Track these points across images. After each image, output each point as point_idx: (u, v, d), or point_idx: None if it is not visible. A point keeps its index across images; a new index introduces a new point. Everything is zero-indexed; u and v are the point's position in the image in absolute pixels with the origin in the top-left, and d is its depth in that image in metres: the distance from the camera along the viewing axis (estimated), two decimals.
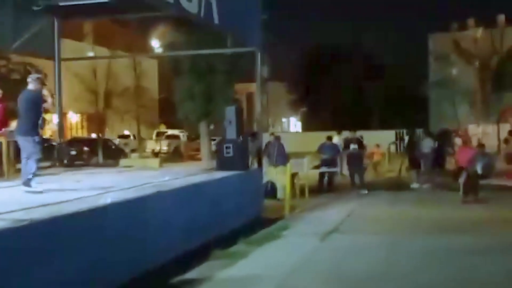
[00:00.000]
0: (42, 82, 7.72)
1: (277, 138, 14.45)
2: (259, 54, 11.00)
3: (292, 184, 12.32)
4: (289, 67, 51.13)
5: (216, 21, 8.70)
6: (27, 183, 7.01)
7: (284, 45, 46.22)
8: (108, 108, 29.16)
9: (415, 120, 30.32)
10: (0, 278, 4.14)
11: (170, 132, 38.11)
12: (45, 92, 7.66)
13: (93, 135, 32.92)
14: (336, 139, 17.61)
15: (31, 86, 7.40)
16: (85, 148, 28.25)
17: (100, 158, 26.12)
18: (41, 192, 6.87)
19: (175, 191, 7.25)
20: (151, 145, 36.05)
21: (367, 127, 34.86)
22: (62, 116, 13.84)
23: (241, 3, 10.04)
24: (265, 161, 13.52)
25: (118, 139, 35.33)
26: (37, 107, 7.26)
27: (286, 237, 8.62)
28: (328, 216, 10.57)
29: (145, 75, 30.28)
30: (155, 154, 34.78)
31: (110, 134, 35.25)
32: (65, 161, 26.44)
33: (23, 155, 7.13)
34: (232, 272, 6.52)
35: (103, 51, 27.59)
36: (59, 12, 11.50)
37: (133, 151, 32.14)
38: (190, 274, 6.39)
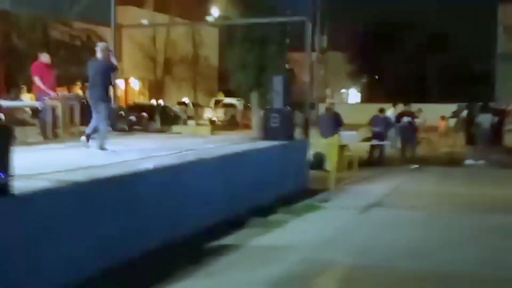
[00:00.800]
0: (108, 50, 8.13)
1: (328, 109, 14.31)
2: (310, 24, 10.87)
3: (341, 156, 12.26)
4: (350, 37, 49.98)
5: None
6: (101, 146, 7.71)
7: (345, 13, 45.05)
8: (166, 75, 29.74)
9: (479, 94, 29.15)
10: (33, 239, 4.39)
11: (227, 100, 38.45)
12: (113, 60, 8.05)
13: (153, 102, 33.72)
14: (391, 112, 17.26)
15: (99, 55, 7.85)
16: (144, 114, 29.12)
17: (158, 124, 26.74)
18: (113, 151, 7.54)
19: (214, 159, 7.38)
20: (208, 113, 36.56)
21: (428, 99, 33.88)
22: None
23: None
24: (315, 132, 13.51)
25: (177, 106, 36.09)
26: (107, 75, 7.84)
27: (326, 208, 8.65)
28: (373, 189, 10.49)
29: (204, 43, 30.56)
30: (212, 122, 35.32)
31: (170, 101, 36.00)
32: (125, 127, 27.53)
33: (95, 119, 7.76)
34: (265, 241, 6.64)
35: (164, 18, 27.98)
36: None
37: (190, 118, 32.73)
38: (224, 241, 6.55)
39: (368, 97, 51.25)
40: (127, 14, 26.02)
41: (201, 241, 6.38)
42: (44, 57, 10.21)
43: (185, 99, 37.99)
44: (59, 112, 9.70)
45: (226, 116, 34.69)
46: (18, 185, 4.58)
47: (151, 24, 24.01)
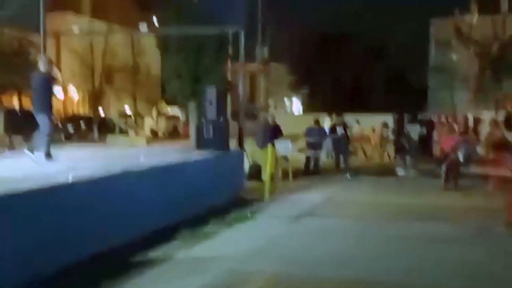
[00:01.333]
0: (51, 62, 8.03)
1: (265, 120, 14.43)
2: (242, 33, 10.96)
3: (276, 166, 12.37)
4: (291, 48, 50.73)
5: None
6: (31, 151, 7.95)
7: (285, 25, 45.75)
8: (105, 85, 29.19)
9: (413, 105, 30.18)
10: None
11: (169, 110, 38.16)
12: (55, 71, 7.94)
13: (96, 112, 33.07)
14: (327, 123, 17.63)
15: (42, 67, 7.96)
16: (82, 125, 28.51)
17: (96, 134, 26.23)
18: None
19: (142, 171, 7.27)
20: (149, 122, 36.14)
21: (366, 109, 34.74)
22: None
23: None
24: (251, 142, 13.59)
25: (117, 117, 35.49)
26: (49, 87, 7.99)
27: (259, 218, 8.67)
28: (306, 199, 10.61)
29: (144, 52, 30.17)
30: (154, 132, 34.94)
31: (111, 111, 35.33)
32: (62, 137, 26.82)
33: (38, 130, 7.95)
34: (194, 252, 6.57)
35: (102, 25, 27.48)
36: None
37: (132, 128, 32.26)
38: (152, 254, 6.44)
39: (309, 107, 52.07)
40: (64, 20, 25.44)
41: (128, 254, 6.25)
42: None
43: (126, 109, 37.44)
44: None
45: (168, 126, 34.47)
46: None
47: (87, 32, 23.53)
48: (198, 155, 9.44)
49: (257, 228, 8.04)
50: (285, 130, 15.81)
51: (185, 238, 7.16)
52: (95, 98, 30.27)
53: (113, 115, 33.40)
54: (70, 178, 5.96)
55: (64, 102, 41.96)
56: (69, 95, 40.51)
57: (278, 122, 14.37)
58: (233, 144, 11.19)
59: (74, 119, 29.16)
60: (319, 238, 7.45)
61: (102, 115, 29.54)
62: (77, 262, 5.64)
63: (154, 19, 27.04)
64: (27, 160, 8.05)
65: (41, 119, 7.97)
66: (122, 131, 29.20)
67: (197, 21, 14.11)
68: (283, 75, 57.44)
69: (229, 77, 13.68)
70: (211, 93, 10.26)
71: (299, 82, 54.11)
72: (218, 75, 17.22)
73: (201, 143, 10.14)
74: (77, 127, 27.71)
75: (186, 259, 6.33)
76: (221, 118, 10.26)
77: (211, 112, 10.20)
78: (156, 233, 7.08)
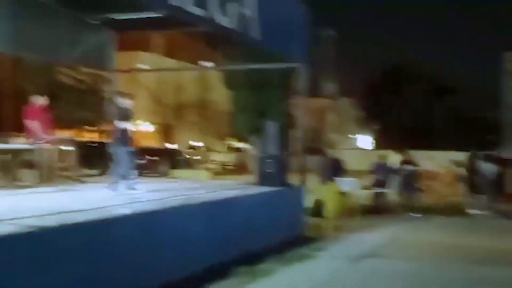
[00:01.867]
0: (128, 96, 8.81)
1: (329, 155, 14.18)
2: (303, 70, 10.89)
3: (340, 203, 12.05)
4: (359, 84, 50.39)
5: (254, 36, 8.66)
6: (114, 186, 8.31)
7: (354, 61, 45.61)
8: (176, 119, 29.96)
9: (486, 142, 28.87)
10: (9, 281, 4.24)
11: (238, 145, 38.55)
12: (129, 105, 8.28)
13: (167, 145, 33.98)
14: (395, 159, 17.07)
15: (119, 100, 8.51)
16: (152, 158, 29.25)
17: (166, 168, 26.74)
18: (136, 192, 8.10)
19: (199, 205, 7.22)
20: (218, 157, 36.61)
21: (436, 146, 33.60)
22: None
23: (285, 18, 9.96)
24: (316, 178, 13.35)
25: (188, 150, 36.29)
26: (126, 119, 8.44)
27: (318, 257, 8.38)
28: (370, 238, 10.20)
29: (213, 88, 30.79)
30: (222, 166, 35.32)
31: (181, 145, 36.21)
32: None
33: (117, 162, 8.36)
34: None
35: (172, 62, 28.42)
36: (116, 26, 11.87)
37: (201, 162, 32.82)
38: None
39: (378, 143, 51.12)
40: (136, 59, 26.50)
41: None
42: (38, 100, 10.22)
43: (198, 143, 38.17)
44: (52, 155, 9.64)
45: (236, 160, 34.74)
46: None
47: (149, 69, 24.23)
48: (256, 190, 9.31)
49: (315, 268, 7.76)
50: (351, 166, 15.51)
51: (241, 275, 6.99)
52: (165, 131, 31.10)
53: (182, 149, 34.09)
54: (126, 211, 5.98)
55: (136, 135, 43.42)
56: (141, 129, 41.93)
57: (345, 158, 14.06)
58: (296, 179, 11.01)
59: (145, 152, 29.99)
60: (380, 281, 7.07)
61: (172, 148, 30.19)
62: None
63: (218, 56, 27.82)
64: (89, 192, 8.25)
65: (119, 152, 8.36)
66: (190, 165, 29.71)
67: (261, 57, 14.19)
68: (352, 110, 56.98)
69: (294, 112, 13.55)
70: (271, 128, 10.18)
71: (368, 117, 53.41)
72: (281, 110, 17.18)
73: (261, 178, 10.03)
74: (148, 160, 28.45)
75: None
76: (282, 153, 10.13)
77: (271, 147, 10.10)
78: (211, 269, 6.96)
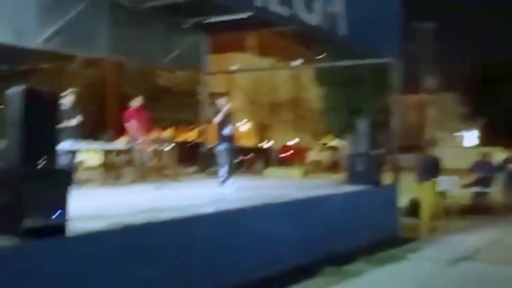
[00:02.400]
0: (224, 97, 9.44)
1: (426, 153, 13.60)
2: (397, 65, 10.52)
3: (437, 203, 11.55)
4: (462, 78, 47.85)
5: (342, 32, 8.51)
6: (220, 184, 8.85)
7: (455, 55, 43.44)
8: (270, 118, 30.24)
9: None
10: (82, 279, 4.48)
11: (333, 143, 38.18)
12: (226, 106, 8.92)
13: (263, 144, 34.43)
14: (500, 156, 16.09)
15: (219, 101, 9.12)
16: (248, 157, 29.81)
17: (261, 166, 27.10)
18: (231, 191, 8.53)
19: (286, 203, 7.22)
20: (313, 155, 36.48)
21: None
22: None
23: (375, 12, 9.68)
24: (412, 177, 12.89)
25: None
26: (225, 121, 8.95)
27: (411, 260, 8.08)
28: (469, 240, 9.66)
29: (306, 86, 30.71)
30: (317, 164, 35.15)
31: (277, 143, 36.52)
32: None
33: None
34: None
35: (267, 62, 28.69)
36: (207, 28, 12.20)
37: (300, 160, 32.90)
38: None
39: (483, 140, 48.32)
40: (232, 60, 27.03)
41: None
42: (137, 101, 10.74)
43: (293, 141, 38.27)
44: (149, 154, 10.08)
45: (330, 158, 34.41)
46: (79, 226, 4.77)
47: (241, 69, 24.44)
48: (345, 189, 9.15)
49: (407, 270, 7.49)
50: (451, 164, 14.76)
51: (329, 276, 6.91)
52: (260, 131, 31.49)
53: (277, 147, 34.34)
54: (210, 210, 6.12)
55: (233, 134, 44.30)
56: (238, 128, 42.74)
57: (445, 155, 13.40)
58: (390, 178, 10.69)
59: (240, 150, 30.58)
60: (473, 286, 6.67)
61: (267, 146, 30.51)
62: None
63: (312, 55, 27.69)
64: (183, 190, 8.53)
65: (221, 151, 8.88)
66: (286, 163, 29.85)
67: (352, 53, 13.95)
68: (455, 106, 54.22)
69: (389, 109, 13.13)
70: (362, 125, 9.94)
71: (472, 113, 50.58)
72: (374, 107, 16.79)
73: (352, 177, 9.83)
74: (242, 159, 29.01)
75: None
76: (373, 152, 9.86)
77: (362, 145, 9.87)
78: (299, 269, 6.93)
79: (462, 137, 62.34)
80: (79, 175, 9.49)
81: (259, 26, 11.78)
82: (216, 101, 9.29)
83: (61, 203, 4.48)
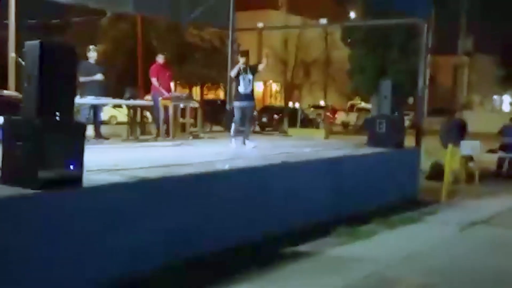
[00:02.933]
0: (247, 55, 9.60)
1: (452, 117, 13.44)
2: (425, 26, 10.28)
3: (461, 167, 11.47)
4: (499, 40, 46.27)
5: None
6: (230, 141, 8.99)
7: (494, 15, 41.84)
8: (299, 78, 30.05)
9: None
10: (99, 230, 4.69)
11: (363, 105, 37.83)
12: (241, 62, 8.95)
13: (291, 104, 34.36)
14: None
15: (240, 60, 9.01)
16: (275, 116, 29.84)
17: (286, 126, 27.13)
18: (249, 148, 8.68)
19: (302, 162, 7.30)
20: (341, 116, 36.28)
21: None
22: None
23: None
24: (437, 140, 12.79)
25: (311, 109, 36.40)
26: (239, 78, 8.87)
27: (426, 222, 8.11)
28: (488, 205, 9.61)
29: (337, 46, 30.26)
30: (345, 125, 35.00)
31: (304, 103, 36.39)
32: (257, 127, 28.36)
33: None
34: (344, 251, 6.39)
35: (296, 20, 28.31)
36: None
37: (323, 121, 32.79)
38: (303, 247, 6.42)
39: None
40: (263, 17, 26.76)
41: (278, 246, 6.32)
42: (160, 58, 10.84)
43: (321, 103, 38.06)
44: (170, 111, 10.22)
45: (358, 120, 34.18)
46: (94, 178, 4.95)
47: (267, 27, 24.00)
48: (365, 150, 9.16)
49: (420, 233, 7.53)
50: (481, 128, 14.49)
51: (341, 235, 6.99)
52: (288, 90, 31.38)
53: (306, 107, 34.22)
54: (226, 166, 6.24)
55: (263, 93, 44.31)
56: (266, 87, 42.63)
57: (479, 120, 13.16)
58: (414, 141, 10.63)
59: (268, 110, 30.60)
60: (487, 251, 6.69)
61: (296, 106, 30.44)
62: (228, 247, 5.88)
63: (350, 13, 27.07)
64: (204, 148, 8.69)
65: (234, 109, 9.00)
66: (313, 124, 29.81)
67: (385, 13, 13.64)
68: (492, 69, 52.72)
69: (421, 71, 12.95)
70: (386, 87, 9.83)
71: (509, 76, 49.13)
72: (403, 68, 16.45)
73: (373, 139, 9.81)
74: (270, 118, 29.07)
75: (335, 256, 6.19)
76: (396, 114, 9.79)
77: (385, 107, 9.77)
78: (313, 227, 7.04)
79: (499, 100, 60.86)
80: (108, 129, 9.72)
81: None
82: (236, 58, 9.34)
83: (78, 155, 4.63)
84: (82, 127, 4.82)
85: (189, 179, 5.61)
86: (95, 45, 10.95)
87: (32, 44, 4.50)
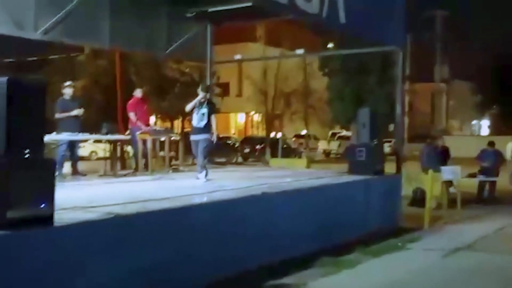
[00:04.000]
0: (206, 90, 9.07)
1: (430, 143, 13.52)
2: (400, 54, 10.41)
3: (442, 192, 11.49)
4: (474, 66, 47.19)
5: (342, 20, 8.42)
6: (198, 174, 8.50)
7: (469, 43, 42.78)
8: (280, 108, 30.20)
9: None
10: (69, 267, 4.52)
11: (344, 133, 38.04)
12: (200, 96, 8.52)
13: (272, 134, 34.39)
14: (510, 146, 15.97)
15: (200, 94, 8.74)
16: (257, 146, 29.82)
17: (268, 156, 27.08)
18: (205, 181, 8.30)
19: (280, 193, 7.20)
20: (322, 145, 36.42)
21: None
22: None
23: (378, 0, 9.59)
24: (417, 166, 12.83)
25: (293, 139, 36.46)
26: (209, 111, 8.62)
27: (409, 250, 8.03)
28: (472, 230, 9.58)
29: (316, 75, 30.55)
30: (326, 154, 35.09)
31: (286, 133, 36.44)
32: (239, 158, 28.24)
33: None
34: (328, 282, 6.28)
35: (275, 51, 28.60)
36: (211, 18, 12.14)
37: (311, 150, 32.89)
38: (287, 279, 6.29)
39: (497, 130, 47.73)
40: (241, 50, 27.02)
41: (262, 278, 6.18)
42: (138, 93, 10.79)
43: (302, 132, 38.20)
44: (148, 145, 10.10)
45: (339, 148, 34.32)
46: (67, 217, 4.80)
47: (244, 59, 24.01)
48: (345, 179, 9.12)
49: (403, 260, 7.44)
50: (461, 153, 14.57)
51: (324, 266, 6.88)
52: (269, 120, 31.51)
53: (288, 137, 34.25)
54: (204, 199, 6.13)
55: (245, 124, 44.40)
56: (248, 118, 42.73)
57: (455, 145, 13.22)
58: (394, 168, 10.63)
59: (250, 141, 30.61)
60: (470, 277, 6.61)
61: (278, 136, 30.47)
62: (209, 283, 5.73)
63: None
64: (181, 181, 8.55)
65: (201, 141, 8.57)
66: (295, 153, 29.82)
67: (360, 42, 13.84)
68: (468, 95, 53.53)
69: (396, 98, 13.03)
70: (364, 115, 9.87)
71: (486, 102, 49.92)
72: (381, 96, 16.63)
73: (353, 167, 9.78)
74: (252, 149, 29.04)
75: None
76: (375, 141, 9.80)
77: (364, 135, 9.79)
78: (295, 259, 6.92)
79: (478, 125, 61.71)
80: (88, 165, 9.54)
81: (261, 15, 11.72)
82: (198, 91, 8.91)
83: (48, 193, 4.49)
84: (52, 164, 4.69)
85: (163, 213, 5.48)
86: (72, 81, 10.85)
87: None
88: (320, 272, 6.62)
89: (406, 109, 31.73)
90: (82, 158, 19.03)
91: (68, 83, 10.10)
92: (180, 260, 5.48)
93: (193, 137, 8.78)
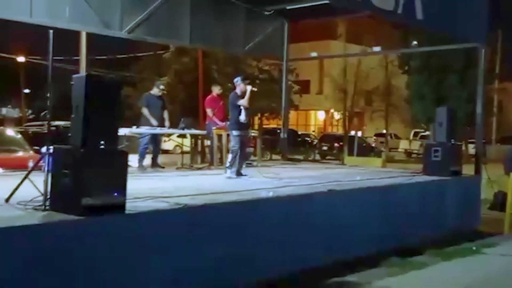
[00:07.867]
0: (247, 83, 8.71)
1: None
2: (483, 51, 9.99)
3: None
4: None
5: (419, 16, 8.22)
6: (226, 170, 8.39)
7: None
8: (361, 106, 29.84)
9: None
10: (139, 254, 4.80)
11: (427, 133, 36.84)
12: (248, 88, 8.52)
13: (352, 133, 34.07)
14: None
15: (237, 88, 8.57)
16: (336, 144, 29.64)
17: (345, 154, 26.81)
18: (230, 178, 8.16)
19: (348, 191, 7.18)
20: (404, 144, 35.51)
21: None
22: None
23: None
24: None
25: (374, 137, 35.90)
26: (234, 106, 8.39)
27: (484, 254, 7.74)
28: None
29: (398, 73, 29.90)
30: (408, 154, 34.17)
31: (368, 131, 35.97)
32: (317, 156, 28.19)
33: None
34: (392, 282, 6.20)
35: (357, 49, 28.25)
36: (288, 15, 12.27)
37: (390, 150, 32.27)
38: (351, 277, 6.30)
39: None
40: (324, 47, 26.95)
41: (323, 276, 6.21)
42: (215, 89, 11.11)
43: (383, 131, 37.49)
44: (224, 140, 10.36)
45: (421, 148, 33.21)
46: (139, 205, 5.09)
47: (316, 57, 23.78)
48: (418, 179, 8.91)
49: (476, 265, 7.18)
50: None
51: (391, 266, 6.81)
52: (349, 118, 31.20)
53: (367, 136, 33.76)
54: (270, 194, 6.25)
55: (324, 122, 44.17)
56: (327, 116, 42.47)
57: None
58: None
59: (329, 138, 30.48)
60: None
61: (356, 135, 30.12)
62: (269, 279, 5.83)
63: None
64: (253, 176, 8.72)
65: (231, 136, 8.47)
66: (374, 152, 29.33)
67: (442, 39, 13.41)
68: None
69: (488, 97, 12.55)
70: (441, 114, 9.57)
71: None
72: (464, 95, 15.93)
73: (428, 168, 9.53)
74: (330, 146, 28.93)
75: (383, 287, 6.02)
76: (453, 141, 9.49)
77: (440, 134, 9.50)
78: (362, 258, 6.89)
79: None
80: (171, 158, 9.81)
81: (336, 13, 11.69)
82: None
83: (120, 182, 4.78)
84: (125, 156, 4.98)
85: (231, 207, 5.65)
86: (160, 79, 11.37)
87: (79, 77, 4.75)
88: (385, 272, 6.56)
89: (495, 109, 30.35)
90: (167, 152, 19.93)
91: (158, 82, 10.56)
92: (243, 253, 5.62)
93: (245, 133, 8.60)
